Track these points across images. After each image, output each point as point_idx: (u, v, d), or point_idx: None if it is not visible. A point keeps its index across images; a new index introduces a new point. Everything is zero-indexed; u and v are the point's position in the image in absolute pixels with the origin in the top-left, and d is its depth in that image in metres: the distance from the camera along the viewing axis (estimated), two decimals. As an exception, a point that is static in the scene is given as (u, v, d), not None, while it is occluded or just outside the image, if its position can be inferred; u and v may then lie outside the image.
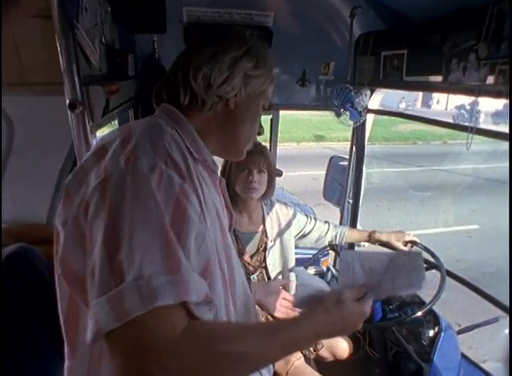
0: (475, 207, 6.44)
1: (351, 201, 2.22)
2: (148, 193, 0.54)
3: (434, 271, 1.53)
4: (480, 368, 1.57)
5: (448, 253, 4.42)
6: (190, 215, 0.58)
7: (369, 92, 1.84)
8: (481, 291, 1.54)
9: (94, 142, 0.98)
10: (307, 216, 1.79)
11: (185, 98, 0.74)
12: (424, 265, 1.57)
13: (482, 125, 1.36)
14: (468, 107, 14.38)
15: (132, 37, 1.74)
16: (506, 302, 1.41)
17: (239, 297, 0.80)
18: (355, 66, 1.82)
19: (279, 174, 1.64)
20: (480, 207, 6.44)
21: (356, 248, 2.23)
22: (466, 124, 1.26)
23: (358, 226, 2.20)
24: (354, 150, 2.15)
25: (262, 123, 0.89)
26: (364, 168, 2.16)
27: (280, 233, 1.71)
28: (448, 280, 1.50)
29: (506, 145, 1.20)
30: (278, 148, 2.25)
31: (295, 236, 1.76)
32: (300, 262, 1.81)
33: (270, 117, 2.15)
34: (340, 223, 2.28)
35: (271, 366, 1.00)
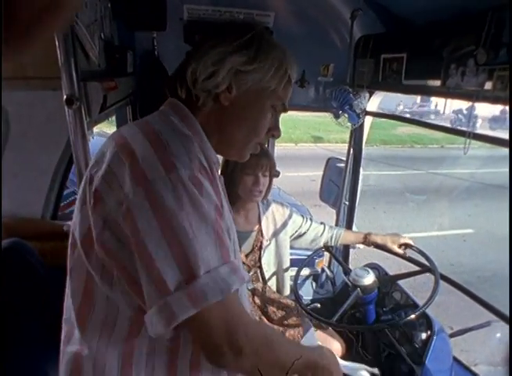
0: (471, 212, 6.47)
1: (347, 203, 2.23)
2: (195, 198, 0.61)
3: (428, 274, 1.54)
4: (471, 371, 1.58)
5: (442, 256, 4.43)
6: (225, 216, 0.69)
7: (367, 95, 1.84)
8: (475, 296, 1.55)
9: (90, 138, 0.98)
10: (303, 217, 1.79)
11: (182, 92, 0.76)
12: (419, 268, 1.59)
13: (479, 131, 1.36)
14: (465, 112, 14.47)
15: (132, 34, 1.73)
16: (499, 307, 1.42)
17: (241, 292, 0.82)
18: (354, 68, 1.82)
19: (277, 174, 1.64)
20: (476, 211, 6.47)
21: (351, 249, 2.24)
22: (464, 128, 1.27)
23: (354, 228, 2.21)
24: (351, 151, 2.15)
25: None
26: (361, 170, 2.17)
27: (276, 233, 1.71)
28: (442, 283, 1.51)
29: (502, 150, 1.20)
30: (276, 148, 2.25)
31: (291, 237, 1.77)
32: (295, 263, 1.81)
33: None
34: (336, 225, 2.28)
35: None
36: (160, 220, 0.59)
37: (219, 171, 0.86)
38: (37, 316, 1.15)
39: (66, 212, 2.06)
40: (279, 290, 1.77)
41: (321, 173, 2.40)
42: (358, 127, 1.98)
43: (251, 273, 1.67)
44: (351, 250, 2.26)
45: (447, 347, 1.52)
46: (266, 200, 1.73)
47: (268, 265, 1.71)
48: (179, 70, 0.78)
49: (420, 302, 1.52)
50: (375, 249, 1.76)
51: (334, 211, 2.35)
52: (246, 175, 1.54)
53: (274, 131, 0.83)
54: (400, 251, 1.69)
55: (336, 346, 1.68)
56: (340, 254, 2.23)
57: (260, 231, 1.68)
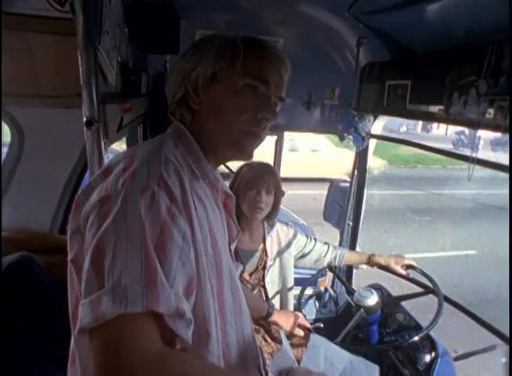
0: (473, 233, 6.44)
1: (351, 223, 2.24)
2: (135, 213, 0.60)
3: (431, 296, 1.54)
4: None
5: (445, 278, 4.39)
6: (174, 235, 0.62)
7: (372, 118, 1.89)
8: (478, 318, 1.54)
9: (106, 159, 1.01)
10: (307, 236, 1.80)
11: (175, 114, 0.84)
12: (422, 290, 1.59)
13: (481, 152, 1.40)
14: (467, 133, 14.56)
15: (145, 56, 1.79)
16: (503, 329, 1.42)
17: (230, 309, 0.80)
18: (359, 93, 1.87)
19: (282, 194, 1.67)
20: (478, 232, 6.44)
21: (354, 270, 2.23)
22: (466, 152, 1.30)
23: (357, 249, 2.22)
24: (355, 173, 2.18)
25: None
26: (365, 190, 2.20)
27: (280, 253, 1.72)
28: (445, 304, 1.51)
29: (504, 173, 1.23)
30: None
31: (295, 256, 1.77)
32: (298, 282, 1.81)
33: (275, 138, 2.19)
34: (340, 245, 2.29)
35: None
36: (97, 227, 0.60)
37: (221, 189, 0.86)
38: (44, 329, 1.16)
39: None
40: (283, 309, 1.76)
41: (322, 192, 2.43)
42: (362, 149, 2.02)
43: (255, 292, 1.68)
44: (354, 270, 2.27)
45: (452, 371, 1.51)
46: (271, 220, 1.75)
47: (272, 284, 1.71)
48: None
49: (423, 324, 1.52)
50: (378, 270, 1.77)
51: (335, 230, 2.37)
52: (249, 190, 1.56)
53: (264, 113, 0.78)
54: (403, 272, 1.70)
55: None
56: (344, 274, 2.24)
57: (264, 250, 1.69)
